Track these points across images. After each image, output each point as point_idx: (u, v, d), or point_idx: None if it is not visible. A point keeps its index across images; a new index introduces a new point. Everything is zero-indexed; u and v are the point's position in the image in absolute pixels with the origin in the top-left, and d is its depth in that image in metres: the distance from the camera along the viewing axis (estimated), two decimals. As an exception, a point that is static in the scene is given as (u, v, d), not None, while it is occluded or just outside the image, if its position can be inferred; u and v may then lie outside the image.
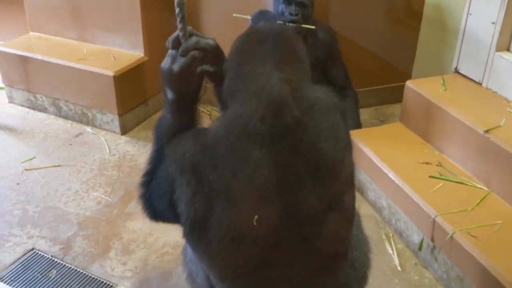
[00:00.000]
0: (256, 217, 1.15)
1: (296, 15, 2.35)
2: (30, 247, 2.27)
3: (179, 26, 1.21)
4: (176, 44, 1.23)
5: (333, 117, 1.23)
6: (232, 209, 1.15)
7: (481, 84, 2.54)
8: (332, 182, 1.21)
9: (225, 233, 1.18)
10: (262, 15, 2.56)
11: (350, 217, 1.30)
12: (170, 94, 1.26)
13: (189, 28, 1.23)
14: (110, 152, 2.97)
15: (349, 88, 2.78)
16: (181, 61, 1.20)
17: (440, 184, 2.26)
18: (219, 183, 1.14)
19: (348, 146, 1.28)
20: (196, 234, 1.21)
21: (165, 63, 1.23)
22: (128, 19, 3.16)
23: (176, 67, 1.20)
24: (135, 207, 2.50)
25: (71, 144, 3.05)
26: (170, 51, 1.25)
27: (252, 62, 1.19)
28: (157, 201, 1.32)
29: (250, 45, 1.24)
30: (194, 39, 1.22)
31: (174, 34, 1.23)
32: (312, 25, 2.45)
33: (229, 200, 1.15)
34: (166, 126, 1.31)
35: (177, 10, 1.19)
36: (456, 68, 2.67)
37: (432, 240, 2.10)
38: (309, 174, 1.17)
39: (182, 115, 1.28)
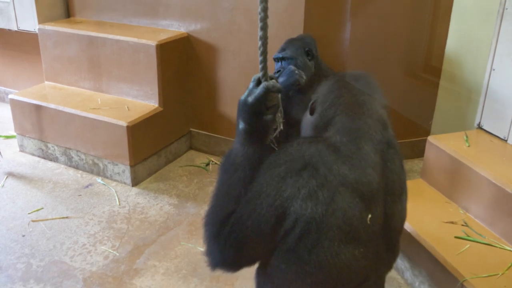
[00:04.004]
0: (370, 216, 1.22)
1: (279, 71, 2.38)
2: (32, 304, 2.15)
3: (260, 66, 1.29)
4: (257, 82, 1.30)
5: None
6: (357, 205, 1.20)
7: (506, 140, 2.46)
8: (403, 210, 1.38)
9: (346, 232, 1.20)
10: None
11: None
12: (241, 125, 1.30)
13: (270, 74, 1.31)
14: (120, 204, 2.89)
15: None
16: (255, 92, 1.27)
17: (467, 246, 2.13)
18: (351, 176, 1.21)
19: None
20: (312, 236, 1.19)
21: (243, 96, 1.30)
22: (144, 71, 3.16)
23: (250, 98, 1.27)
24: (144, 262, 2.39)
25: (80, 195, 2.98)
26: (249, 87, 1.31)
27: (351, 94, 1.37)
28: (250, 220, 1.24)
29: (344, 83, 1.42)
30: (272, 80, 1.30)
31: (257, 75, 1.31)
32: (324, 73, 2.43)
33: (356, 194, 1.20)
34: (234, 155, 1.33)
35: (260, 52, 1.28)
36: (479, 124, 2.60)
37: (460, 306, 1.96)
38: (398, 194, 1.33)
39: (252, 145, 1.30)
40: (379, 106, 1.37)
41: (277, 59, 2.42)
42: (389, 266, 1.42)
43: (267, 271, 1.33)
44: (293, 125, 1.68)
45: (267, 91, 1.25)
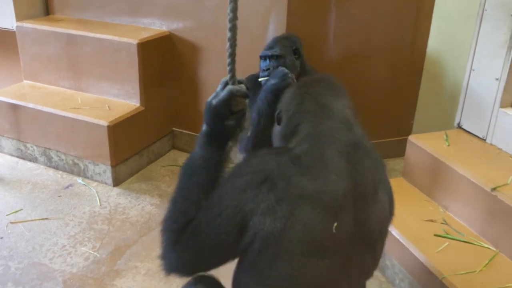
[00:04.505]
0: (335, 224, 1.18)
1: (268, 69, 2.36)
2: (10, 307, 2.12)
3: (228, 68, 1.29)
4: (225, 85, 1.30)
5: (375, 151, 1.37)
6: (318, 216, 1.17)
7: (485, 140, 2.50)
8: (382, 209, 1.31)
9: (308, 244, 1.17)
10: (253, 77, 2.57)
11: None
12: (204, 127, 1.30)
13: (240, 78, 1.31)
14: (100, 205, 2.86)
15: None
16: (220, 95, 1.26)
17: (446, 243, 2.16)
18: (310, 188, 1.17)
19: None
20: (271, 251, 1.17)
21: (210, 97, 1.30)
22: (126, 70, 3.14)
23: (214, 101, 1.26)
24: (125, 263, 2.38)
25: (60, 196, 2.94)
26: (217, 89, 1.31)
27: (312, 99, 1.35)
28: (208, 229, 1.23)
29: (305, 88, 1.40)
30: (240, 85, 1.30)
31: (226, 78, 1.30)
32: (308, 73, 2.44)
33: (317, 205, 1.17)
34: (194, 158, 1.32)
35: (228, 54, 1.28)
36: (459, 124, 2.64)
37: (440, 303, 1.98)
38: (372, 195, 1.27)
39: (211, 149, 1.29)
40: (342, 107, 1.35)
41: (265, 57, 2.40)
42: (367, 272, 1.38)
43: (235, 281, 1.33)
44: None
45: (231, 96, 1.25)
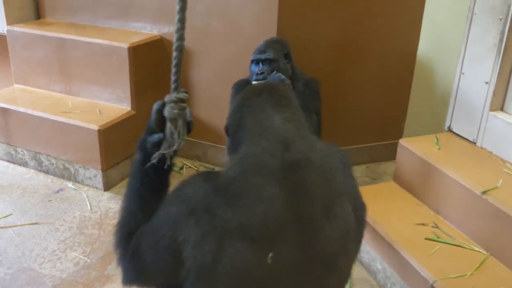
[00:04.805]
0: (270, 254, 1.11)
1: (262, 73, 2.36)
2: (-1, 313, 2.10)
3: (173, 78, 1.30)
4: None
5: (337, 160, 1.28)
6: (248, 249, 1.10)
7: (475, 143, 2.50)
8: (343, 222, 1.22)
9: (242, 278, 1.11)
10: (242, 82, 2.56)
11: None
12: (142, 134, 1.35)
13: (183, 89, 1.34)
14: (91, 209, 2.84)
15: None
16: (153, 109, 1.32)
17: (437, 247, 2.16)
18: (234, 221, 1.10)
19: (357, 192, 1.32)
20: (204, 284, 1.13)
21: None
22: (117, 74, 3.12)
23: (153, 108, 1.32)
24: (115, 268, 2.36)
25: (50, 200, 2.92)
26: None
27: (253, 112, 1.27)
28: (148, 254, 1.22)
29: (247, 100, 1.31)
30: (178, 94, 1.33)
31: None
32: (297, 77, 2.44)
33: (244, 238, 1.10)
34: (132, 169, 1.37)
35: (174, 64, 1.29)
36: (449, 127, 2.64)
37: (431, 307, 1.98)
38: (323, 213, 1.17)
39: (141, 165, 1.33)
40: (282, 122, 1.23)
41: (259, 61, 2.39)
42: None
43: None
44: None
45: (162, 103, 1.31)
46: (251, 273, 1.12)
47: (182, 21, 1.24)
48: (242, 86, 2.45)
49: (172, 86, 1.28)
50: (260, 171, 1.15)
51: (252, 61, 2.43)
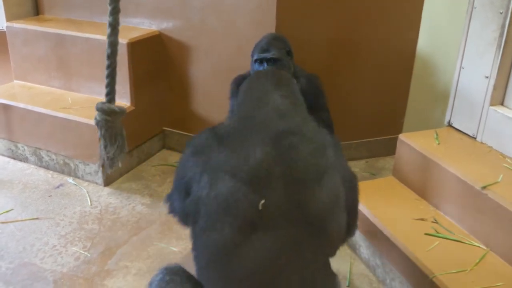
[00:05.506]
0: (262, 201, 1.24)
1: None
2: (0, 308, 2.11)
3: (107, 89, 1.47)
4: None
5: (328, 138, 1.43)
6: (239, 189, 1.25)
7: (475, 138, 2.50)
8: (333, 189, 1.35)
9: (234, 217, 1.25)
10: (241, 78, 2.55)
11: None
12: None
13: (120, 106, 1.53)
14: (91, 204, 2.85)
15: (332, 134, 2.71)
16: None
17: (437, 242, 2.16)
18: (228, 163, 1.28)
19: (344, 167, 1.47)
20: (202, 220, 1.30)
21: None
22: (116, 69, 3.10)
23: None
24: (115, 263, 2.37)
25: (51, 196, 2.92)
26: None
27: (255, 89, 1.51)
28: (174, 191, 1.50)
29: (251, 83, 1.57)
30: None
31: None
32: (298, 73, 2.43)
33: (235, 179, 1.26)
34: None
35: (107, 73, 1.41)
36: (449, 122, 2.64)
37: (430, 302, 1.99)
38: (314, 178, 1.30)
39: None
40: (279, 97, 1.44)
41: (263, 60, 2.37)
42: (322, 252, 1.37)
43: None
44: None
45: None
46: (242, 212, 1.25)
47: (113, 26, 1.39)
48: (241, 81, 2.45)
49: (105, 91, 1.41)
50: (258, 131, 1.34)
51: (256, 60, 2.41)
